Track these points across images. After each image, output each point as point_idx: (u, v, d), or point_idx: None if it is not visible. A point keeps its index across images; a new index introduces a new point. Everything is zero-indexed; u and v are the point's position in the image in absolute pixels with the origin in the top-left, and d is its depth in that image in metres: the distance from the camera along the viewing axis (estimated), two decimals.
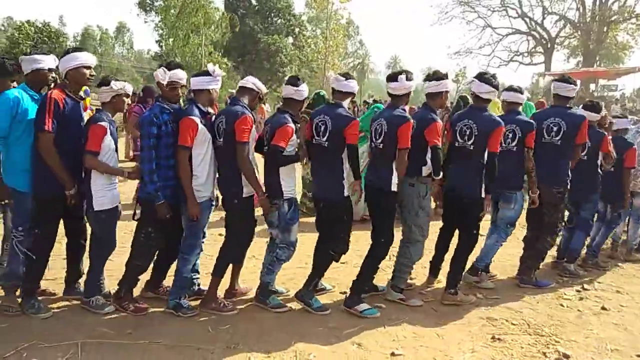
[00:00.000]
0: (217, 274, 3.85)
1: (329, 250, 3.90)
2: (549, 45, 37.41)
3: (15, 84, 3.78)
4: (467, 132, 4.05)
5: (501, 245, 4.61)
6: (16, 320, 3.56)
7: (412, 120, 3.84)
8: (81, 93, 3.79)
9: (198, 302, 3.91)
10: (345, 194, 3.82)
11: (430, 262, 4.64)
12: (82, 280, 3.94)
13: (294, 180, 3.87)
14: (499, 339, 3.63)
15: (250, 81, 3.89)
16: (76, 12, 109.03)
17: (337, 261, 4.04)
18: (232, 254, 3.92)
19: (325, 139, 3.75)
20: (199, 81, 3.69)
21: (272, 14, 42.30)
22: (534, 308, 4.21)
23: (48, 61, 3.61)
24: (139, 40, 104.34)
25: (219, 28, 26.40)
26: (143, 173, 3.57)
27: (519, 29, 39.18)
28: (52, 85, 3.79)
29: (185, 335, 3.48)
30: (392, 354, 3.36)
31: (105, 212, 3.61)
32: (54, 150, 3.42)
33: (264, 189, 3.76)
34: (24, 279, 3.64)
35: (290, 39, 43.12)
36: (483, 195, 4.03)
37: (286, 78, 3.95)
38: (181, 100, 3.89)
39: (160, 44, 35.16)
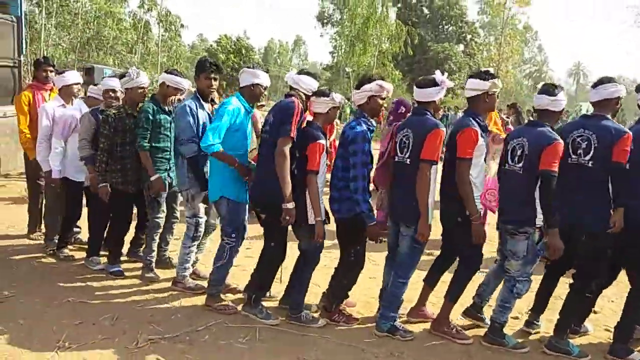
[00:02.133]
0: (452, 298, 3.60)
1: (585, 292, 3.46)
2: None
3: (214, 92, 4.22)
4: None
5: None
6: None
7: None
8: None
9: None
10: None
11: None
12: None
13: None
14: None
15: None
16: (259, 27, 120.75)
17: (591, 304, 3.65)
18: (466, 277, 3.60)
19: (589, 157, 3.31)
20: (428, 93, 3.49)
21: (444, 22, 41.66)
22: None
23: (265, 78, 3.78)
24: (314, 52, 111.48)
25: (396, 39, 26.75)
26: (355, 191, 3.43)
27: None
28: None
29: (352, 336, 3.57)
30: None
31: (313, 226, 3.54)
32: (288, 158, 3.39)
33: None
34: (255, 287, 3.78)
35: (461, 47, 41.97)
36: None
37: (539, 86, 3.54)
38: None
39: (333, 54, 36.93)
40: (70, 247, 4.93)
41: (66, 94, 4.79)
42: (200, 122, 3.93)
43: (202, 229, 4.14)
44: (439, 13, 41.31)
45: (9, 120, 6.86)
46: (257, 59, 35.74)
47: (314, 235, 3.50)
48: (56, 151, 4.60)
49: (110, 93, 4.46)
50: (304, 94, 3.64)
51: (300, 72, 3.75)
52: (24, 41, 7.64)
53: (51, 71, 5.13)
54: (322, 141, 3.47)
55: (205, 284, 4.03)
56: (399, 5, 40.61)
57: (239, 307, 3.82)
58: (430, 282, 3.81)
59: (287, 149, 3.39)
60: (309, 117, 3.68)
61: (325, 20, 39.26)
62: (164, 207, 4.38)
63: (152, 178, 4.16)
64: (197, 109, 3.94)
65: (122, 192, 4.31)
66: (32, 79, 5.58)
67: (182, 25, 25.42)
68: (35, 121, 4.87)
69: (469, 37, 42.27)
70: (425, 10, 41.56)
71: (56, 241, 4.86)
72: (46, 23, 20.44)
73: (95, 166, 4.29)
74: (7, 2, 7.20)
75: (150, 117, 4.13)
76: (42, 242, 5.07)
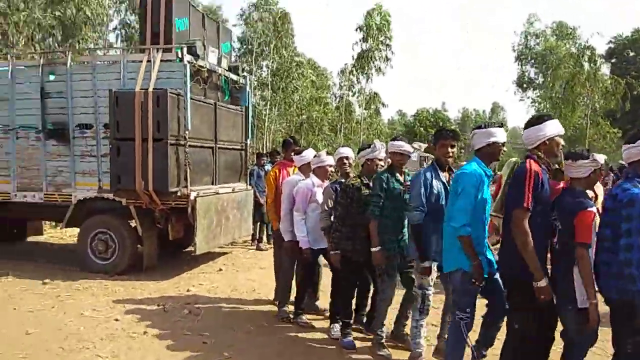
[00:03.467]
0: None
1: None
2: None
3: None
4: None
5: None
6: None
7: None
8: None
9: None
10: None
11: None
12: None
13: None
14: None
15: None
16: (455, 98, 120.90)
17: None
18: None
19: None
20: None
21: None
22: None
23: (501, 134, 3.43)
24: (512, 118, 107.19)
25: (611, 96, 24.01)
26: (629, 264, 2.92)
27: None
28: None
29: None
30: None
31: (585, 310, 3.05)
32: (527, 230, 3.02)
33: None
34: None
35: None
36: None
37: None
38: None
39: None
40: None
41: (305, 170, 5.12)
42: (434, 192, 3.83)
43: (429, 302, 3.96)
44: None
45: (237, 195, 7.97)
46: (455, 129, 35.69)
47: (585, 322, 3.02)
48: (300, 222, 4.85)
49: (344, 160, 4.70)
50: (534, 147, 3.21)
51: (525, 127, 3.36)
52: (250, 127, 8.88)
53: (297, 151, 5.47)
54: (593, 209, 3.06)
55: None
56: (614, 60, 36.68)
57: None
58: None
59: (524, 223, 3.01)
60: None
61: (524, 85, 37.40)
62: (395, 280, 4.25)
63: (373, 249, 4.10)
64: (432, 178, 3.85)
65: (351, 260, 4.36)
66: (284, 157, 6.02)
67: (382, 104, 26.76)
68: (280, 195, 5.26)
69: None
70: None
71: (287, 309, 5.11)
72: (269, 113, 23.79)
73: (329, 234, 4.45)
74: (239, 96, 8.52)
75: (384, 185, 4.10)
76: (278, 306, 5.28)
